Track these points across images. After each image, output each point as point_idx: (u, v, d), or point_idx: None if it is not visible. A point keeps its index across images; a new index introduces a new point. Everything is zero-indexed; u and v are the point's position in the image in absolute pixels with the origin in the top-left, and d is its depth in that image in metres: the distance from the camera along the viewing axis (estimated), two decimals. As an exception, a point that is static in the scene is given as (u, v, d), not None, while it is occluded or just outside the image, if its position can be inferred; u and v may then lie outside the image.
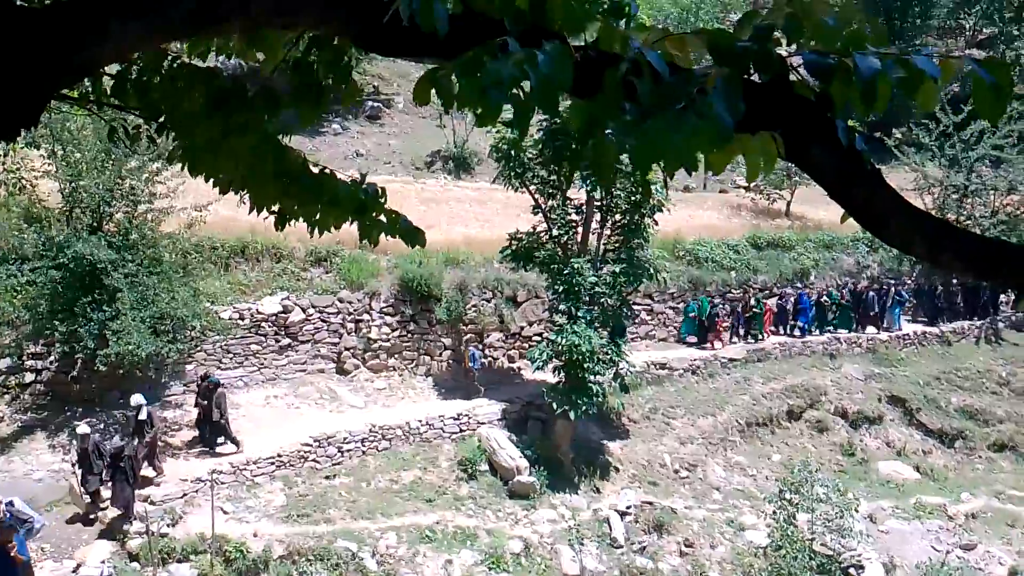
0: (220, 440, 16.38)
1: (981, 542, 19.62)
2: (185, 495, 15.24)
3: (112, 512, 14.41)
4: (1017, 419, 25.03)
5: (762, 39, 1.74)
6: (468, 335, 21.33)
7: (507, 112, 1.91)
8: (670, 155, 1.63)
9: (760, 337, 24.81)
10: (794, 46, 1.86)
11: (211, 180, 3.29)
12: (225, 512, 15.21)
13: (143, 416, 15.27)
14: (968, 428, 24.52)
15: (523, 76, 1.69)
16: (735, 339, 24.70)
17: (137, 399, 15.31)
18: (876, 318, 26.86)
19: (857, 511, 18.35)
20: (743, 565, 17.77)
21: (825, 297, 26.35)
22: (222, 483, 15.59)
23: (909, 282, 28.59)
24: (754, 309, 24.82)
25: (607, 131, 1.73)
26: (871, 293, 26.79)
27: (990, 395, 25.65)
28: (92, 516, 14.61)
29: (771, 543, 17.10)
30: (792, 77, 1.87)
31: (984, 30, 45.62)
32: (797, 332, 25.73)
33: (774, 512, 17.27)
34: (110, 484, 14.48)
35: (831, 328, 26.21)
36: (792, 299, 25.94)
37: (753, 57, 1.73)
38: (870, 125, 28.99)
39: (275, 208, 3.39)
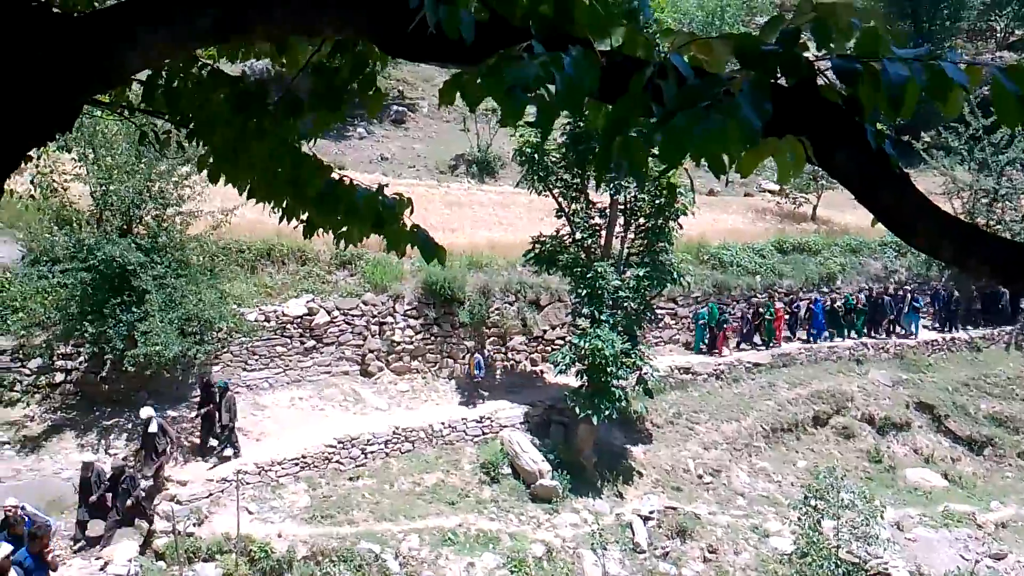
0: (221, 445, 16.19)
1: (1011, 551, 19.27)
2: (211, 495, 15.38)
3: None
4: (1049, 427, 24.58)
5: (789, 43, 1.73)
6: (490, 337, 21.35)
7: (531, 115, 1.92)
8: (696, 149, 1.63)
9: (772, 343, 24.48)
10: (822, 51, 1.84)
11: (236, 186, 3.33)
12: (250, 512, 15.34)
13: (153, 429, 14.89)
14: (997, 435, 24.11)
15: (548, 77, 1.69)
16: (744, 345, 24.38)
17: (147, 411, 15.02)
18: (892, 324, 26.56)
19: (883, 518, 18.11)
20: (767, 572, 17.60)
21: (839, 303, 26.04)
22: (247, 483, 15.72)
23: (936, 287, 28.17)
24: (764, 315, 24.50)
25: (632, 131, 1.73)
26: (887, 298, 26.46)
27: (1020, 402, 25.21)
28: (76, 547, 13.80)
29: (796, 550, 16.92)
30: (819, 81, 1.87)
31: (1016, 32, 44.88)
32: (809, 338, 25.39)
33: (799, 518, 17.09)
34: (110, 507, 13.87)
35: (844, 334, 25.86)
36: (804, 305, 25.65)
37: (780, 61, 1.72)
38: (898, 129, 28.67)
39: (303, 217, 3.42)
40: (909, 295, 26.91)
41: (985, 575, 17.41)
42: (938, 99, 1.65)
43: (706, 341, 23.81)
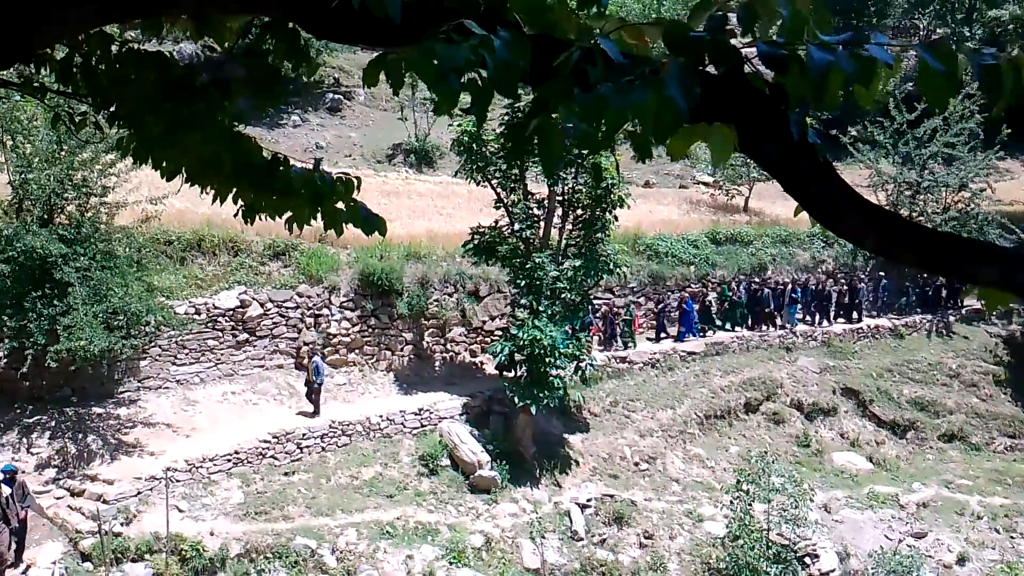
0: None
1: (931, 530, 20.11)
2: (139, 493, 14.96)
3: None
4: (966, 410, 25.69)
5: (716, 29, 1.74)
6: (429, 329, 21.24)
7: (465, 103, 1.89)
8: (614, 117, 1.61)
9: (630, 345, 23.22)
10: (748, 38, 1.86)
11: (159, 170, 3.20)
12: (180, 510, 14.97)
13: (5, 493, 12.94)
14: (919, 419, 25.10)
15: (479, 61, 1.66)
16: (599, 347, 22.68)
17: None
18: (772, 316, 26.11)
19: (812, 501, 18.70)
20: (701, 556, 18.00)
21: (711, 298, 25.50)
22: (177, 481, 15.33)
23: (845, 282, 29.08)
24: (622, 316, 23.30)
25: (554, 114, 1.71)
26: (766, 291, 26.08)
27: (940, 387, 26.28)
28: None
29: (729, 533, 17.34)
30: (747, 69, 1.87)
31: (938, 30, 46.68)
32: (679, 336, 24.37)
33: (731, 503, 17.52)
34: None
35: (721, 328, 25.24)
36: (672, 303, 24.83)
37: (708, 48, 1.72)
38: (826, 123, 29.49)
39: (241, 202, 3.32)
40: (788, 287, 26.56)
41: (907, 554, 18.12)
42: (862, 82, 1.67)
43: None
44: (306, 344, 19.61)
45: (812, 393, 24.50)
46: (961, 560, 19.36)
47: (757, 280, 26.76)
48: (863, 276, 28.88)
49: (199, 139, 3.03)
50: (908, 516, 20.52)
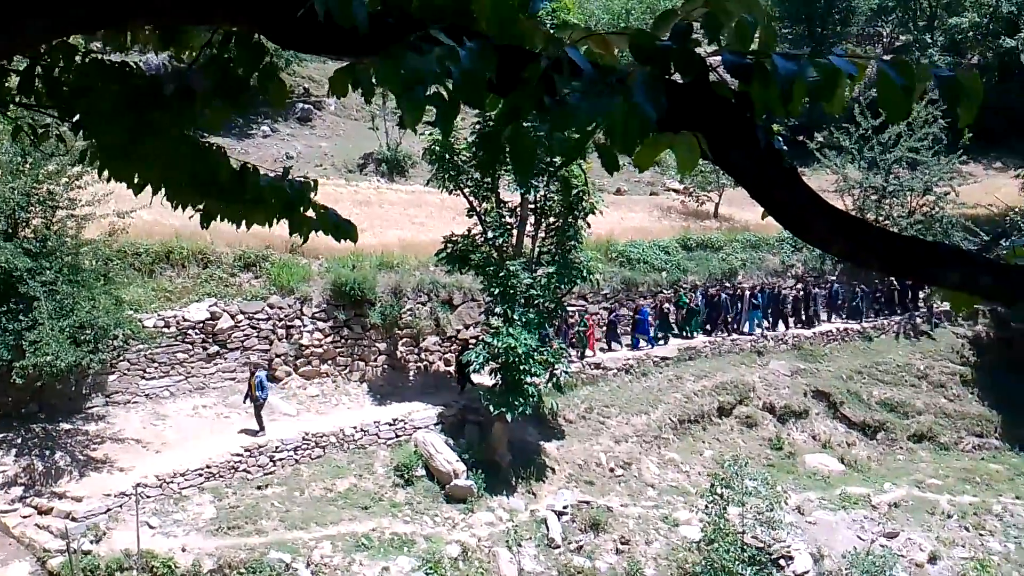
0: None
1: (903, 530, 20.38)
2: (109, 510, 14.70)
3: None
4: (935, 411, 26.11)
5: (681, 38, 1.75)
6: (403, 338, 21.15)
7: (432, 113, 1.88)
8: (585, 122, 1.62)
9: (584, 355, 22.77)
10: (714, 47, 1.87)
11: (126, 182, 3.16)
12: (151, 527, 14.74)
13: None
14: (889, 420, 25.45)
15: (444, 72, 1.66)
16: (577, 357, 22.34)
17: None
18: (732, 322, 26.06)
19: (786, 503, 18.89)
20: (677, 560, 18.07)
21: (667, 305, 25.10)
22: (147, 497, 15.08)
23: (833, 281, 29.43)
24: (578, 326, 22.87)
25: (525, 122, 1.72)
26: (724, 296, 26.01)
27: (909, 388, 26.68)
28: None
29: (704, 537, 17.43)
30: (713, 78, 1.89)
31: (900, 37, 47.55)
32: (634, 345, 24.09)
33: (706, 507, 17.62)
34: None
35: (680, 335, 25.02)
36: (623, 312, 24.26)
37: (674, 57, 1.74)
38: (793, 128, 29.89)
39: (200, 206, 3.28)
40: (747, 293, 26.58)
41: (880, 554, 18.34)
42: (825, 97, 1.70)
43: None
44: (278, 356, 19.41)
45: (784, 396, 24.74)
46: (932, 559, 19.63)
47: (715, 286, 26.60)
48: (812, 280, 28.94)
49: (164, 150, 3.00)
50: (880, 516, 20.77)
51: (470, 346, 19.91)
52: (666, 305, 25.24)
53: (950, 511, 21.37)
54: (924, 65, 1.74)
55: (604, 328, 24.06)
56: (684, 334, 25.42)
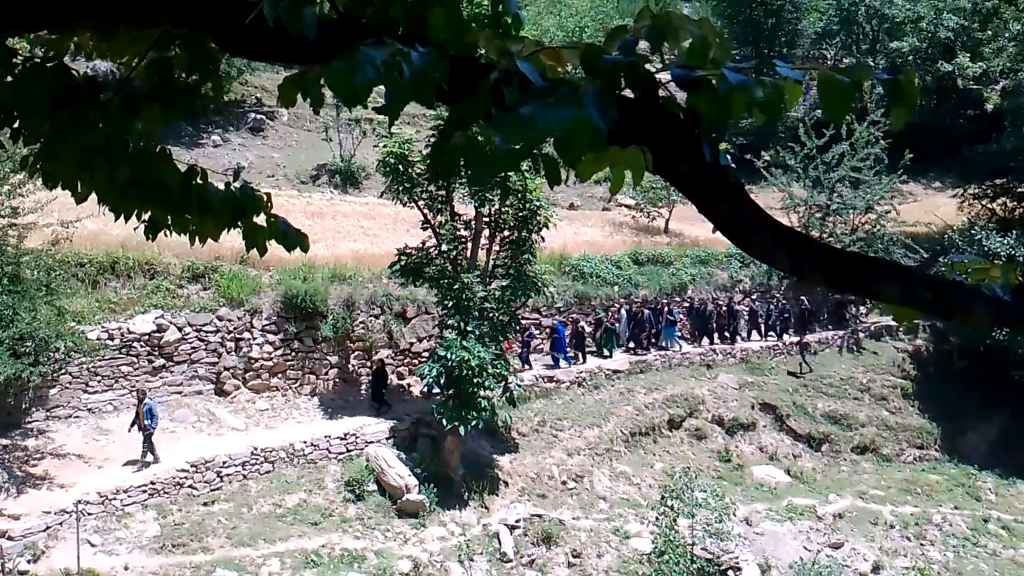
0: None
1: (847, 540, 20.80)
2: (48, 528, 14.22)
3: None
4: (877, 423, 26.77)
5: (627, 51, 1.79)
6: (355, 352, 20.94)
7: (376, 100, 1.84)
8: (538, 134, 1.63)
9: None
10: (655, 55, 1.91)
11: (68, 189, 3.08)
12: (92, 545, 14.30)
13: None
14: (833, 432, 26.01)
15: (396, 65, 1.66)
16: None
17: None
18: (653, 338, 26.00)
19: (734, 515, 19.12)
20: (629, 573, 18.15)
21: (583, 324, 24.65)
22: (89, 514, 14.63)
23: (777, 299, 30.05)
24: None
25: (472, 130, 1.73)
26: (647, 312, 25.92)
27: (852, 401, 27.31)
28: None
29: (655, 549, 17.56)
30: (663, 93, 1.93)
31: (844, 60, 49.06)
32: (553, 363, 23.51)
33: (657, 519, 17.77)
34: None
35: (597, 354, 24.48)
36: (535, 331, 23.79)
37: (623, 71, 1.77)
38: (740, 147, 30.54)
39: (145, 217, 3.20)
40: (666, 309, 26.45)
41: (825, 564, 18.68)
42: (771, 104, 1.74)
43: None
44: (227, 369, 19.04)
45: (732, 409, 25.11)
46: (876, 568, 20.07)
47: (638, 302, 26.43)
48: (736, 299, 29.32)
49: (105, 150, 2.92)
50: (825, 527, 21.17)
51: (386, 366, 19.94)
52: (581, 324, 24.66)
53: (892, 521, 21.90)
54: (867, 66, 1.82)
55: (523, 343, 22.99)
56: (604, 353, 24.81)
